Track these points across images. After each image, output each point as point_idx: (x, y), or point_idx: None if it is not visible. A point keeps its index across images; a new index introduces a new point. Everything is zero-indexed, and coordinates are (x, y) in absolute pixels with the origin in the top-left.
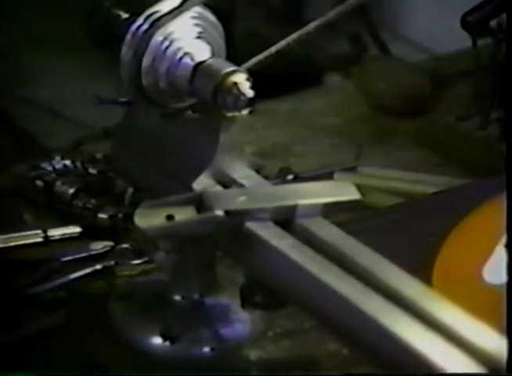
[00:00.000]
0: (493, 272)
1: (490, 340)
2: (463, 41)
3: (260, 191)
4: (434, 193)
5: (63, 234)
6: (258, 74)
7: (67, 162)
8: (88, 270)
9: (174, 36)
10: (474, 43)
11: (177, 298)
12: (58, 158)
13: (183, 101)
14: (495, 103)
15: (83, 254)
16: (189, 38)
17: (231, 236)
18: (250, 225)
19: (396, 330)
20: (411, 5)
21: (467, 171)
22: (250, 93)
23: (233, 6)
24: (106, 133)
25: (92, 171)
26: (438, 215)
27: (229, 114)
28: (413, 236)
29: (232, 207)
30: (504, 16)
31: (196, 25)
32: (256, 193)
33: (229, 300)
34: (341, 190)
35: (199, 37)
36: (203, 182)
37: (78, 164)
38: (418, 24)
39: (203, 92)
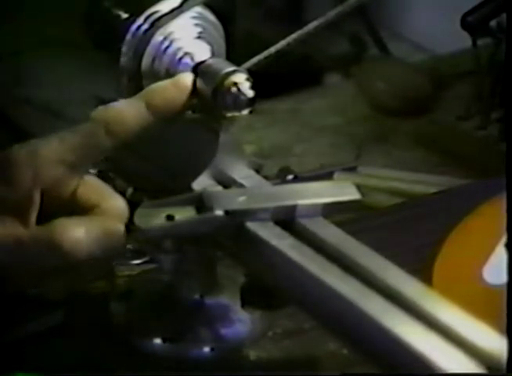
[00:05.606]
0: (493, 272)
1: (490, 340)
2: (463, 41)
3: (260, 191)
4: (434, 193)
5: None
6: (258, 74)
7: None
8: None
9: (174, 36)
10: (474, 43)
11: (177, 298)
12: None
13: None
14: (495, 103)
15: None
16: (189, 38)
17: (231, 236)
18: (250, 225)
19: (396, 331)
20: (411, 5)
21: (467, 171)
22: (250, 93)
23: (233, 6)
24: None
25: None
26: (438, 215)
27: (229, 114)
28: (413, 236)
29: (232, 207)
30: (504, 16)
31: (196, 25)
32: (256, 193)
33: (229, 300)
34: (341, 190)
35: (199, 37)
36: (203, 182)
37: None
38: (418, 24)
39: (203, 92)
